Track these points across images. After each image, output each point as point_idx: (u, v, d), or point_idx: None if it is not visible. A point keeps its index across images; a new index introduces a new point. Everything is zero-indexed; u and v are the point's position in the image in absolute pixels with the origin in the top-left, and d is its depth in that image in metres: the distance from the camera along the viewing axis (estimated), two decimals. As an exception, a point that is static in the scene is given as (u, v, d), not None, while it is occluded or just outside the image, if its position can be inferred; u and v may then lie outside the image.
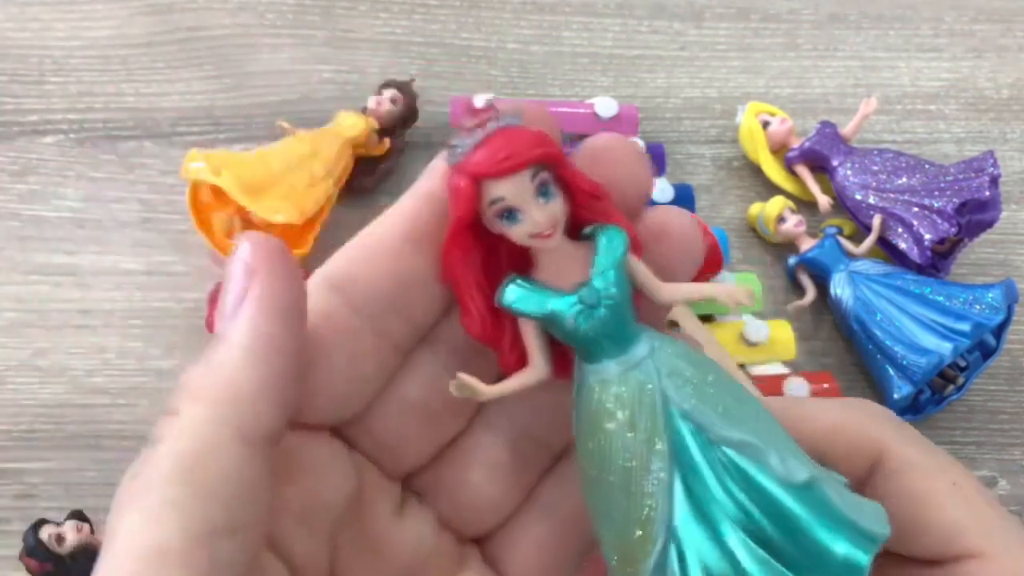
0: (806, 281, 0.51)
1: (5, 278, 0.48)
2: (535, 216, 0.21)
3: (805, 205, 0.54)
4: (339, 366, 0.21)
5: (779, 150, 0.55)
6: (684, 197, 0.51)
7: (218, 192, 0.46)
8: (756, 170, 0.55)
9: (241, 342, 0.19)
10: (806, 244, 0.52)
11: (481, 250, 0.22)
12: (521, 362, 0.22)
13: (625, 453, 0.21)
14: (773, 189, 0.55)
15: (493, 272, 0.22)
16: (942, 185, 0.50)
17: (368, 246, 0.22)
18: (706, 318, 0.49)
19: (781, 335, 0.48)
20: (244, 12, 0.57)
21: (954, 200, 0.49)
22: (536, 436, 0.24)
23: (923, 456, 0.24)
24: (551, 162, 0.21)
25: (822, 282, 0.51)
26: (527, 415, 0.24)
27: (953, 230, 0.48)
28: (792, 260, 0.52)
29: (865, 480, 0.24)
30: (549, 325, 0.22)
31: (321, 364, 0.21)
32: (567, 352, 0.22)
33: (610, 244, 0.21)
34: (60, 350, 0.47)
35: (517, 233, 0.21)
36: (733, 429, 0.21)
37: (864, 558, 0.21)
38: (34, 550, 0.38)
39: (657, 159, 0.53)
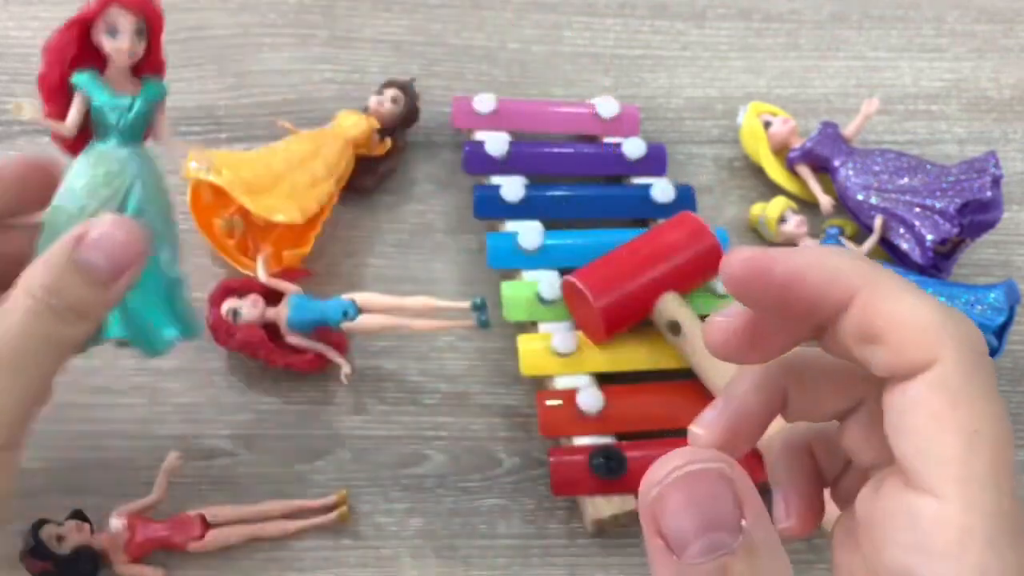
0: (807, 281, 0.51)
1: (6, 277, 0.48)
2: (126, 41, 0.34)
3: (807, 205, 0.54)
4: None
5: (781, 150, 0.55)
6: (685, 197, 0.51)
7: (219, 192, 0.46)
8: (758, 170, 0.55)
9: None
10: (808, 245, 0.52)
11: (76, 54, 0.34)
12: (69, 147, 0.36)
13: (82, 202, 0.34)
14: (775, 189, 0.54)
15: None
16: (944, 186, 0.50)
17: None
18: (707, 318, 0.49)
19: (782, 336, 0.48)
20: (245, 12, 0.57)
21: (956, 201, 0.49)
22: None
23: (895, 282, 0.23)
24: (152, 22, 0.35)
25: (824, 283, 0.51)
26: None
27: (955, 231, 0.48)
28: (793, 260, 0.52)
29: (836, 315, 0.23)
30: (95, 108, 0.35)
31: None
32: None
33: (152, 89, 0.36)
34: (61, 350, 0.46)
35: (111, 45, 0.34)
36: (154, 221, 0.35)
37: (173, 334, 0.36)
38: (34, 550, 0.38)
39: (658, 159, 0.53)
